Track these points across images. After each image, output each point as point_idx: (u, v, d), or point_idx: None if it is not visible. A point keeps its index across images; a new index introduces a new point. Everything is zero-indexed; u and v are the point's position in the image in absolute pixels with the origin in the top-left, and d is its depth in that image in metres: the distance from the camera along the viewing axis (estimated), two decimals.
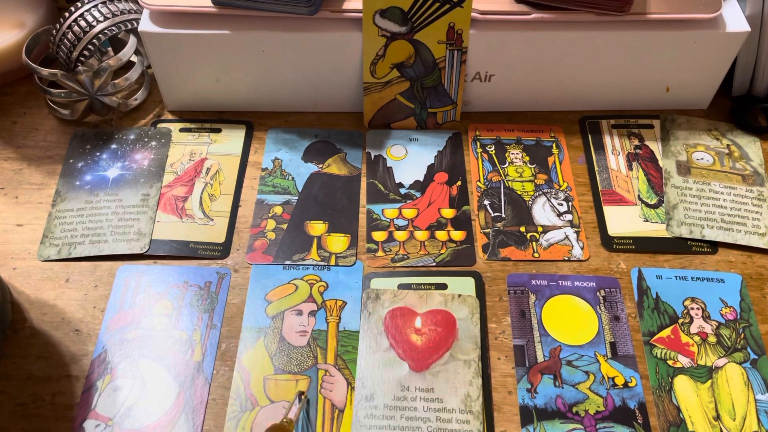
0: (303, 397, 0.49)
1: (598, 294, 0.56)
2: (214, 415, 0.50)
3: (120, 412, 0.50)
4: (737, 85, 0.67)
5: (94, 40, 0.62)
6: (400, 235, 0.60)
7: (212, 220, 0.60)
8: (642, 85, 0.66)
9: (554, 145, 0.65)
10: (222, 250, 0.58)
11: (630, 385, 0.51)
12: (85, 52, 0.63)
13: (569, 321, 0.54)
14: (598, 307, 0.55)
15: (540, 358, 0.53)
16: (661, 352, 0.53)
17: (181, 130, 0.66)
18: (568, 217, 0.61)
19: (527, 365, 0.52)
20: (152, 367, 0.52)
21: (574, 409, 0.50)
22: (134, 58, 0.68)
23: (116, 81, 0.65)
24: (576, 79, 0.65)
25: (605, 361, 0.52)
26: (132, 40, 0.65)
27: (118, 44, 0.68)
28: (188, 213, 0.60)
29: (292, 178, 0.63)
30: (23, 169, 0.63)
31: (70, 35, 0.62)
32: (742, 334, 0.54)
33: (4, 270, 0.57)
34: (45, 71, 0.62)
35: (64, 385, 0.51)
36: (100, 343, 0.53)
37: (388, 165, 0.64)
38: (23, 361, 0.52)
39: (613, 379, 0.52)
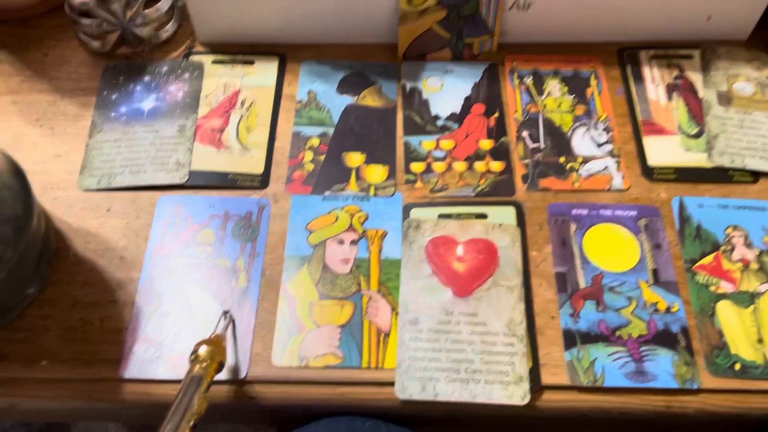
0: (227, 314, 0.50)
1: (639, 223, 0.56)
2: (261, 338, 0.51)
3: (169, 336, 0.50)
4: None
5: None
6: (439, 166, 0.59)
7: (250, 151, 0.60)
8: (682, 13, 0.64)
9: (593, 76, 0.64)
10: (261, 180, 0.58)
11: (672, 310, 0.52)
12: None
13: (610, 249, 0.55)
14: (639, 235, 0.55)
15: (582, 285, 0.53)
16: (703, 278, 0.53)
17: (214, 62, 0.65)
18: (608, 147, 0.60)
19: (569, 291, 0.53)
20: (198, 293, 0.52)
21: (617, 333, 0.51)
22: None
23: (147, 11, 0.64)
24: (615, 6, 0.63)
25: (648, 287, 0.53)
26: None
27: None
28: (225, 144, 0.60)
29: (328, 111, 0.63)
30: (57, 101, 0.63)
31: None
32: None
33: (45, 200, 0.57)
34: None
35: (111, 310, 0.52)
36: (146, 270, 0.53)
37: (424, 97, 0.64)
38: (69, 287, 0.53)
39: (655, 304, 0.52)
